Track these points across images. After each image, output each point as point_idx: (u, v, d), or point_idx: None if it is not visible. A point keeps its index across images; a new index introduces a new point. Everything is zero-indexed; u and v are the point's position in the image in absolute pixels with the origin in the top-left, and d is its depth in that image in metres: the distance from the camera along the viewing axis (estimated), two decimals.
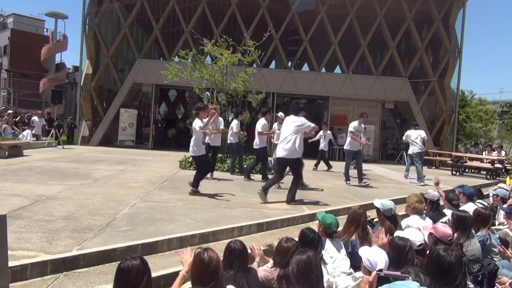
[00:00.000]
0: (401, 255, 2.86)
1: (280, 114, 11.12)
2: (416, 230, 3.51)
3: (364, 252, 2.79)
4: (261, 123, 9.39)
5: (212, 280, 2.37)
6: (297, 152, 6.63)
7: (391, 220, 4.11)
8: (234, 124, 9.76)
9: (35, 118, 16.92)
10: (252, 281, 2.74)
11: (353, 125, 9.71)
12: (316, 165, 12.82)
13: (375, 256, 2.70)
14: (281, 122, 11.19)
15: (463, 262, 2.61)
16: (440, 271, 2.49)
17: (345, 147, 9.91)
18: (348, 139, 9.65)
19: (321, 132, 12.62)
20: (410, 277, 2.39)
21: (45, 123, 17.28)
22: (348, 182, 9.56)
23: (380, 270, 2.50)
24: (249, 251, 3.36)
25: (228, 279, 2.61)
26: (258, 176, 9.37)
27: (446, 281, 2.42)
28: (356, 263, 3.50)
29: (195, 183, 6.97)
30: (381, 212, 4.19)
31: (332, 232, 3.56)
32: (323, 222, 3.59)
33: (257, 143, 9.30)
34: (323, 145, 12.95)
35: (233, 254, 2.78)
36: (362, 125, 9.85)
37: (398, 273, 2.53)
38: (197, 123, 6.88)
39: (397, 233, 3.57)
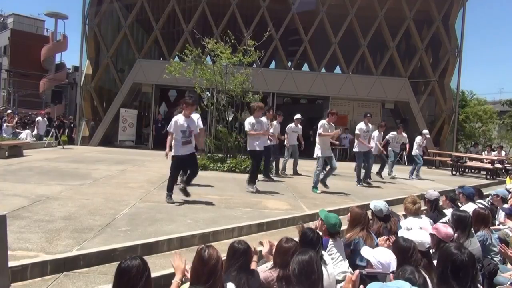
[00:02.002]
0: (404, 256, 2.83)
1: (297, 116, 11.06)
2: (425, 231, 3.49)
3: (375, 254, 2.75)
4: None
5: (209, 278, 2.32)
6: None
7: (384, 220, 4.23)
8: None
9: (39, 118, 17.17)
10: (253, 283, 2.71)
11: (359, 127, 9.52)
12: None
13: (386, 257, 2.68)
14: (297, 124, 11.11)
15: (475, 260, 2.56)
16: (452, 269, 2.42)
17: (354, 149, 9.85)
18: (356, 140, 9.59)
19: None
20: (391, 275, 2.38)
21: (47, 123, 17.47)
22: (360, 183, 9.46)
23: (363, 268, 2.49)
24: (259, 247, 3.32)
25: (230, 279, 2.58)
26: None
27: (459, 280, 2.37)
28: (356, 261, 3.50)
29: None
30: (374, 213, 4.28)
31: (336, 232, 3.52)
32: (326, 222, 3.52)
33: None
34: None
35: (237, 254, 2.75)
36: (370, 125, 9.66)
37: (380, 270, 2.52)
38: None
39: (401, 233, 3.57)
